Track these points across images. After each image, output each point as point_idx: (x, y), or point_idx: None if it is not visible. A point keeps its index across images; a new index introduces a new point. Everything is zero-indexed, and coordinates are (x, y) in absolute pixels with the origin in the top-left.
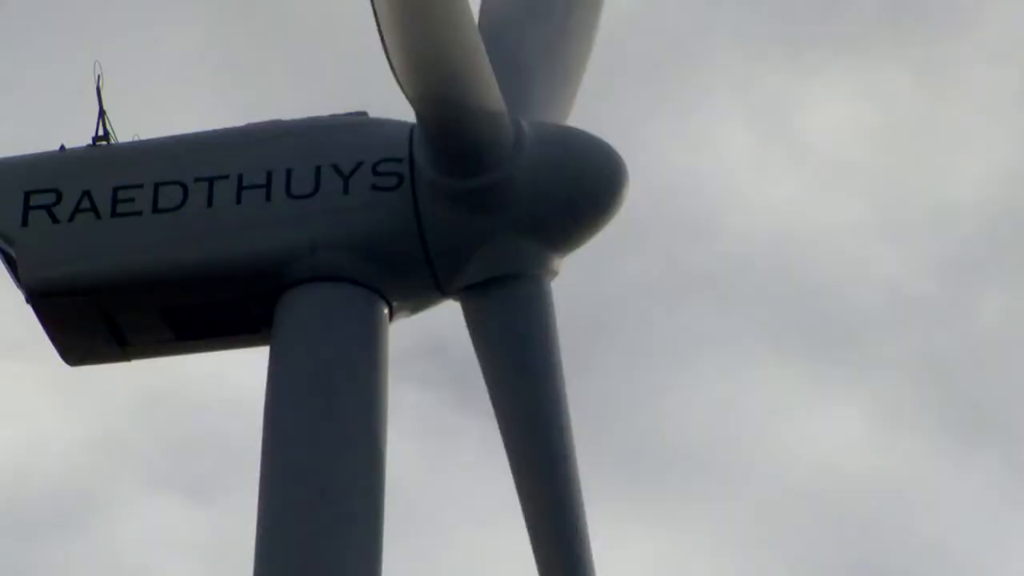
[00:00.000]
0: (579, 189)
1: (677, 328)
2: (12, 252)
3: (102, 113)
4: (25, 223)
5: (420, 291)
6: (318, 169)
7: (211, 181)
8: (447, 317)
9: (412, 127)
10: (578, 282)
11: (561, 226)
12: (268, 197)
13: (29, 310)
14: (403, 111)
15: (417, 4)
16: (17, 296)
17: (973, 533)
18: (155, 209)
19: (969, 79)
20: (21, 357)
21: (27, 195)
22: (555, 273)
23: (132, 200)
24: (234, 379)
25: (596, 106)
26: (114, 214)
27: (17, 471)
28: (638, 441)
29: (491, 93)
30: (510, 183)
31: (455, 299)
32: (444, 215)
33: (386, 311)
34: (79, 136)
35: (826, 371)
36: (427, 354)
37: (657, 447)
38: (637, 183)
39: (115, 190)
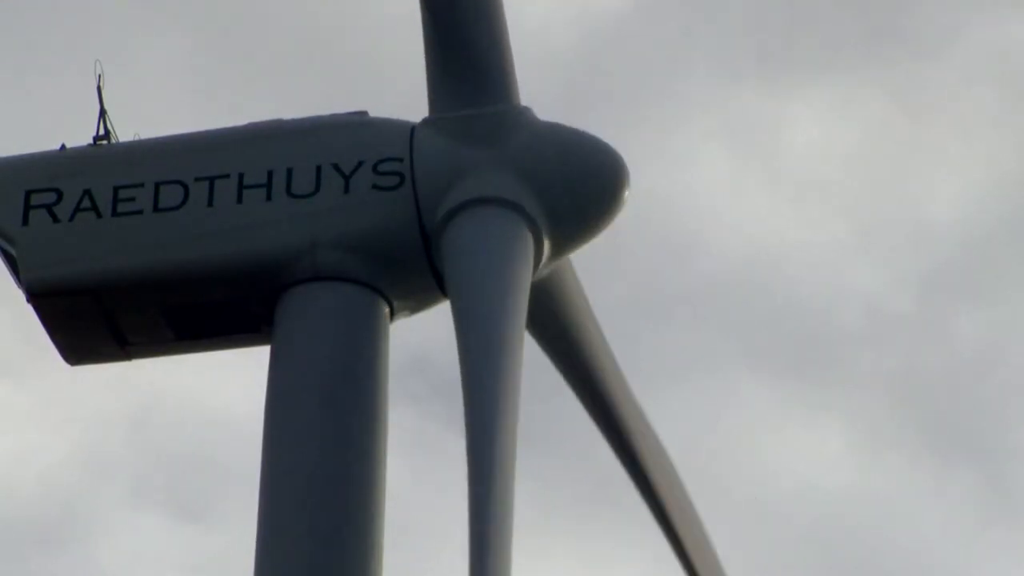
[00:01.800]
0: (582, 171)
1: (658, 347)
2: (13, 251)
3: (103, 112)
4: (26, 222)
5: (421, 291)
6: (319, 169)
7: (212, 180)
8: (431, 331)
9: (413, 127)
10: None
11: (558, 192)
12: (269, 197)
13: (17, 323)
14: (403, 111)
15: None
16: (5, 312)
17: (950, 548)
18: (156, 208)
19: (944, 100)
20: (7, 372)
21: (28, 194)
22: (541, 243)
23: (133, 199)
24: (220, 396)
25: (576, 125)
26: (115, 213)
27: (4, 488)
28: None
29: (508, 43)
30: (515, 122)
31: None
32: (440, 203)
33: (387, 311)
34: (80, 135)
35: (805, 389)
36: (412, 369)
37: None
38: None
39: (116, 189)
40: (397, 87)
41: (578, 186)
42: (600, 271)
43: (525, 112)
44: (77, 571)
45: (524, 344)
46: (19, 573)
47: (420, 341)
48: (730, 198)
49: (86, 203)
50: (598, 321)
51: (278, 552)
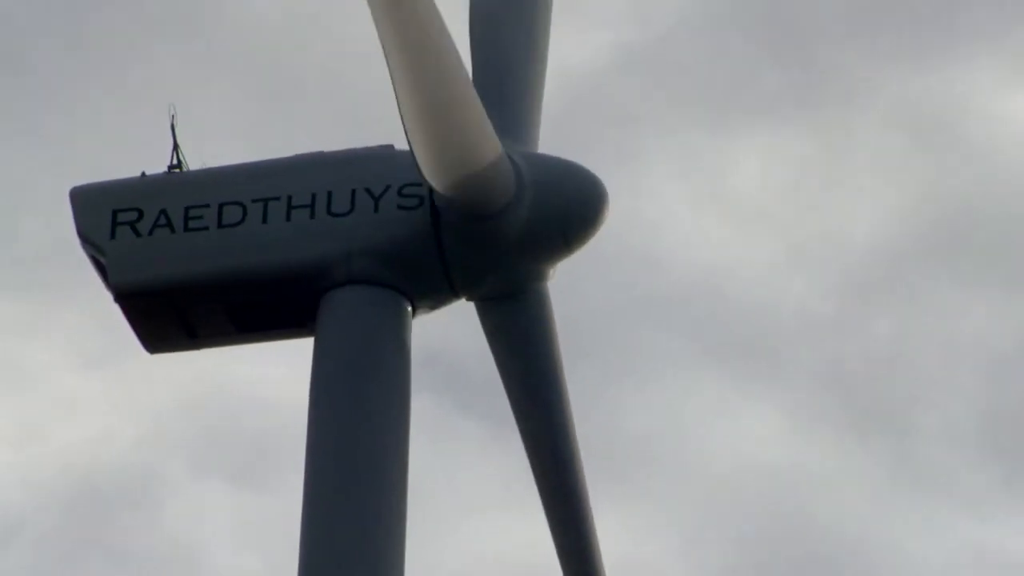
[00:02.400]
0: (570, 212)
1: (629, 345)
2: (103, 260)
3: (175, 146)
4: (113, 236)
5: (437, 292)
6: (353, 192)
7: (266, 202)
8: (439, 329)
9: None
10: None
11: (556, 245)
12: (312, 215)
13: (103, 322)
14: None
15: (424, 81)
16: (91, 318)
17: (866, 511)
18: (219, 225)
19: (863, 141)
20: (94, 367)
21: (115, 213)
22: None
23: (201, 217)
24: (271, 380)
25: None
26: (186, 229)
27: (91, 459)
28: (601, 438)
29: (495, 148)
30: (515, 221)
31: (469, 300)
32: (457, 231)
33: (409, 309)
34: (157, 165)
35: (749, 380)
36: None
37: (615, 443)
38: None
39: (186, 209)
40: None
41: (568, 208)
42: (584, 282)
43: (521, 188)
44: (150, 529)
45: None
46: (104, 531)
47: (431, 337)
48: (687, 223)
49: (162, 220)
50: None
51: (320, 512)
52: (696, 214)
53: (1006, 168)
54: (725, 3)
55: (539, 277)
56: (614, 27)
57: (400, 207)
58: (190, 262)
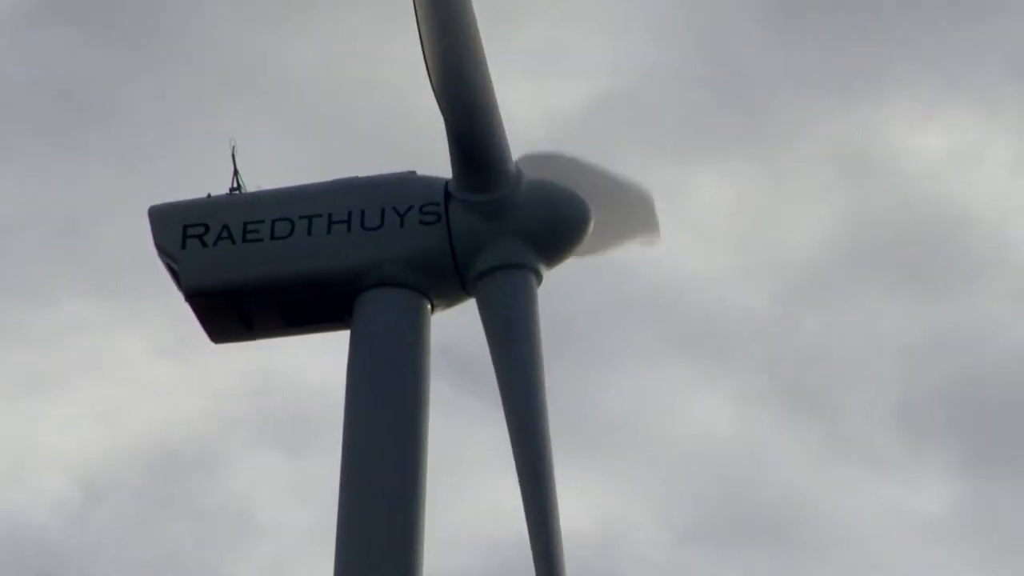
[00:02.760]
0: (561, 212)
1: (608, 339)
2: (176, 266)
3: (235, 172)
4: (183, 247)
5: (451, 293)
6: (383, 210)
7: (310, 218)
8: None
9: (446, 182)
10: (544, 307)
11: (548, 233)
12: (349, 229)
13: (174, 318)
14: (439, 171)
15: (452, 69)
16: (165, 314)
17: (804, 478)
18: (272, 237)
19: (798, 172)
20: (168, 356)
21: (185, 228)
22: (541, 276)
23: (256, 231)
24: (315, 366)
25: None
26: (244, 240)
27: (166, 432)
28: (583, 417)
29: (503, 132)
30: (512, 200)
31: (472, 294)
32: (468, 240)
33: (428, 307)
34: (220, 187)
35: (704, 369)
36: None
37: (595, 421)
38: None
39: (244, 224)
40: (437, 153)
41: (558, 223)
42: (571, 288)
43: (518, 176)
44: (214, 489)
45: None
46: (177, 490)
47: (445, 331)
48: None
49: (224, 233)
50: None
51: (355, 475)
52: (663, 232)
53: (916, 195)
54: (685, 58)
55: (525, 258)
56: (593, 78)
57: (421, 222)
58: (248, 268)
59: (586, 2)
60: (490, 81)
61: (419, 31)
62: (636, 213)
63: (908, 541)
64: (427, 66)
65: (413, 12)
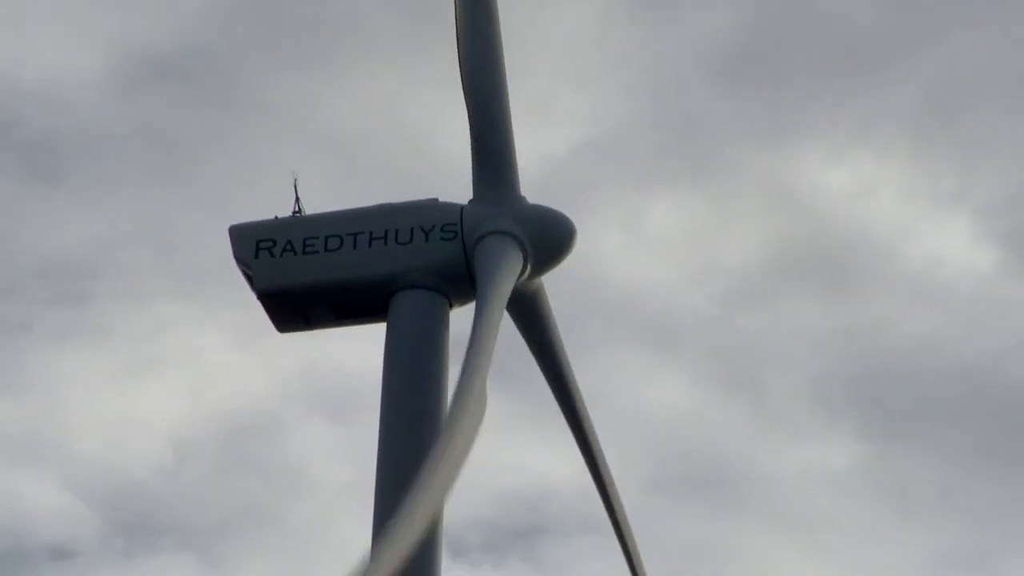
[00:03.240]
0: (552, 226)
1: (584, 331)
2: (250, 272)
3: (297, 198)
4: (256, 257)
5: (466, 293)
6: (412, 229)
7: (355, 235)
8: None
9: (462, 207)
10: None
11: (540, 239)
12: (385, 243)
13: (247, 317)
14: (456, 199)
15: (482, 95)
16: (240, 310)
17: (738, 444)
18: (326, 250)
19: (734, 200)
20: (242, 344)
21: (257, 243)
22: (529, 265)
23: (313, 245)
24: (357, 351)
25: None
26: (303, 252)
27: (240, 405)
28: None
29: (514, 151)
30: (514, 212)
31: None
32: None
33: (448, 305)
34: (285, 210)
35: (660, 355)
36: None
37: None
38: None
39: (304, 240)
40: (454, 186)
41: (549, 238)
42: (554, 292)
43: (521, 198)
44: (279, 451)
45: (504, 304)
46: (248, 452)
47: (461, 325)
48: (621, 253)
49: (288, 247)
50: (558, 326)
51: (389, 440)
52: (627, 248)
53: (826, 220)
54: (647, 109)
55: (511, 230)
56: (574, 126)
57: (442, 239)
58: (307, 274)
59: (569, 64)
60: (509, 115)
61: (462, 81)
62: None
63: (820, 492)
64: (466, 101)
65: (458, 65)
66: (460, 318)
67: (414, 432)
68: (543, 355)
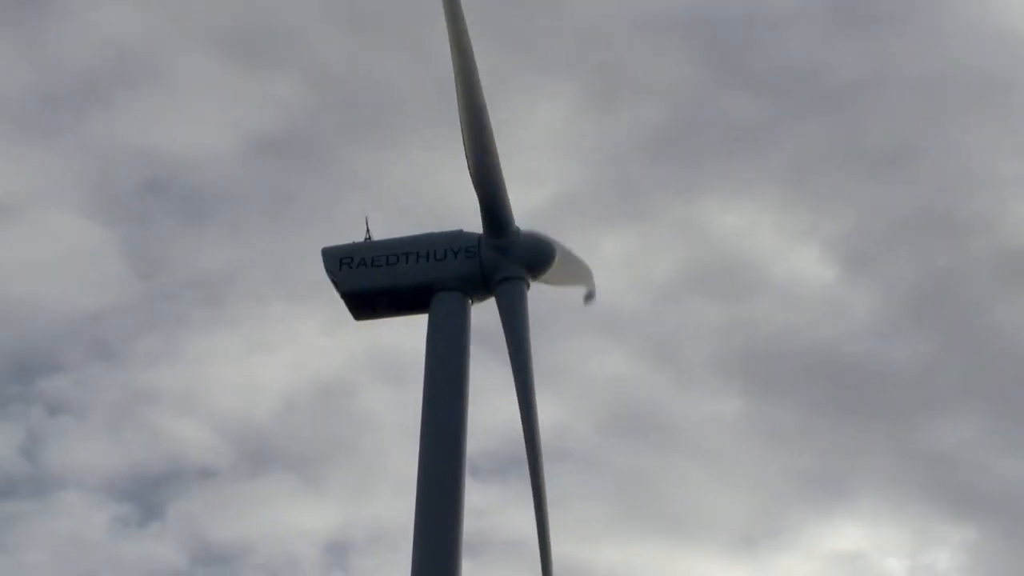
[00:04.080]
0: (540, 250)
1: (558, 325)
2: (336, 279)
3: (367, 230)
4: (340, 269)
5: (481, 294)
6: (445, 250)
7: (407, 254)
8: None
9: (479, 236)
10: (533, 307)
11: (533, 261)
12: (427, 260)
13: (332, 310)
14: (473, 229)
15: (478, 145)
16: (327, 307)
17: (665, 401)
18: (387, 264)
19: (660, 236)
20: (328, 331)
21: (340, 259)
22: (529, 284)
23: (378, 261)
24: (407, 336)
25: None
26: (372, 266)
27: (322, 379)
28: (546, 366)
29: (505, 193)
30: (514, 242)
31: (493, 293)
32: (489, 265)
33: (469, 302)
34: (359, 237)
35: (609, 338)
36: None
37: (551, 368)
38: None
39: (372, 257)
40: (471, 223)
41: (538, 256)
42: (536, 296)
43: (518, 231)
44: (348, 417)
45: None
46: (322, 421)
47: (479, 318)
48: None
49: (359, 262)
50: (528, 316)
51: (430, 399)
52: (594, 268)
53: (724, 248)
54: (598, 171)
55: (521, 273)
56: (547, 184)
57: (466, 257)
58: (374, 280)
59: (547, 142)
60: (503, 179)
61: (466, 154)
62: (583, 276)
63: (718, 433)
64: (471, 172)
65: (462, 136)
66: (478, 310)
67: (446, 392)
68: (512, 342)
